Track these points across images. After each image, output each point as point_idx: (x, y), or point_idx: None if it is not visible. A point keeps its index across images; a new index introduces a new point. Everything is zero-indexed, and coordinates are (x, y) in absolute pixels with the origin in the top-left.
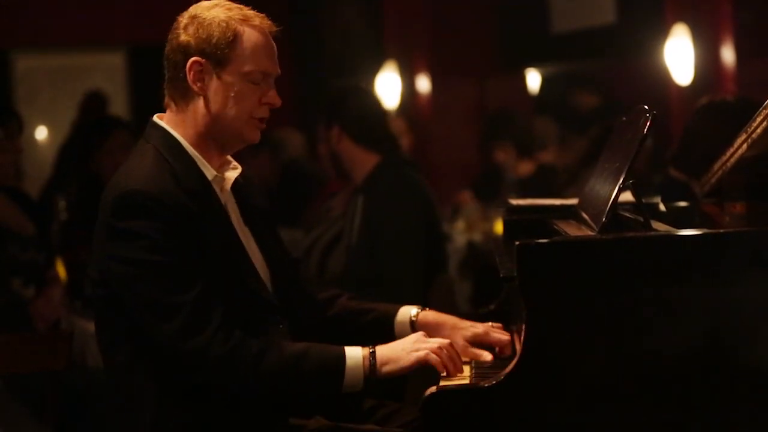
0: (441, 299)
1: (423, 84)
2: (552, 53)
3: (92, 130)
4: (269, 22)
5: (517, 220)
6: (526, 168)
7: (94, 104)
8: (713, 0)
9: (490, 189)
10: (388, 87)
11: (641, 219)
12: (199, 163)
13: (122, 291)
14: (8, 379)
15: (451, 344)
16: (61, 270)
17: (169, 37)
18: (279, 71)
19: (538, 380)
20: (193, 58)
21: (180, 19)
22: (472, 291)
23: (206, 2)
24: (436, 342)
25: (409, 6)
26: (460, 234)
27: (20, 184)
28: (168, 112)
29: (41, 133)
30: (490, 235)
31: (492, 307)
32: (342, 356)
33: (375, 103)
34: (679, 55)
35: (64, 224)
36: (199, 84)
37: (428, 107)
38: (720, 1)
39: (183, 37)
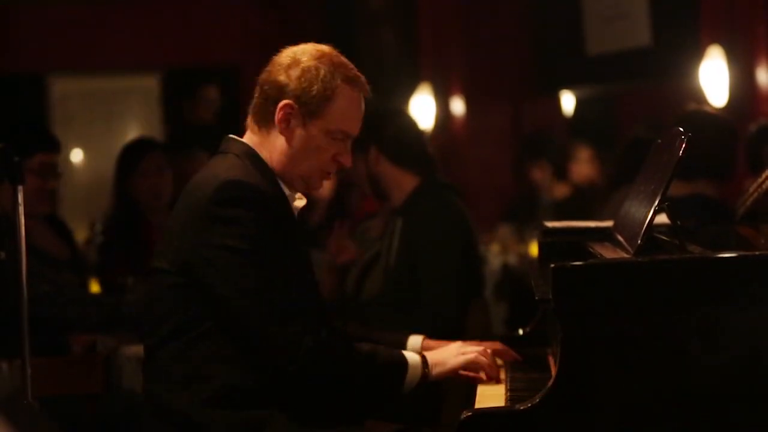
0: (477, 322)
1: (458, 107)
2: (587, 75)
3: (127, 153)
4: (367, 86)
5: (552, 242)
6: (562, 191)
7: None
8: (748, 22)
9: (526, 211)
10: (422, 110)
11: (677, 241)
12: (277, 177)
13: (214, 277)
14: (45, 402)
15: (492, 352)
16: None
17: (269, 68)
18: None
19: (574, 403)
20: (287, 101)
21: (285, 52)
22: (507, 313)
23: (312, 46)
24: (480, 348)
25: (444, 29)
26: (495, 256)
27: (56, 207)
28: (249, 132)
29: (77, 156)
30: (525, 257)
31: (527, 329)
32: (403, 356)
33: (412, 124)
34: (714, 77)
35: (100, 247)
36: (283, 125)
37: (463, 130)
38: (755, 22)
39: (282, 77)
